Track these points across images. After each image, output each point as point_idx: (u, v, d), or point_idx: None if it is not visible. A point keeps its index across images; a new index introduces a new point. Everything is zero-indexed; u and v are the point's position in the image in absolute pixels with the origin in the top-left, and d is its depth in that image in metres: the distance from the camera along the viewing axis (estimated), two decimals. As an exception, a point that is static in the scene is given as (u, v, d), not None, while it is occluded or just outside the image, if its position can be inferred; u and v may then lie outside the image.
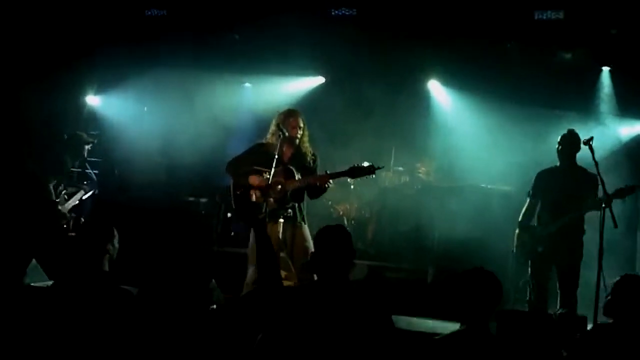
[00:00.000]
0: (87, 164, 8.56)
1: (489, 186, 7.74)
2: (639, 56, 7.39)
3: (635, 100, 7.73)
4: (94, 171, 9.47)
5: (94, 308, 3.42)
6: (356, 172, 5.29)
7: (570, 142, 5.74)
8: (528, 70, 8.08)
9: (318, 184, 5.43)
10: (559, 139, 5.83)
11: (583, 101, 7.97)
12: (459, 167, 8.24)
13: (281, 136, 5.40)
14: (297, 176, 5.42)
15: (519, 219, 5.91)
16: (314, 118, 9.23)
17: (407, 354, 3.26)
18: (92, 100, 9.59)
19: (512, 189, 7.55)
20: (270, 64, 9.11)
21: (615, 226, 5.18)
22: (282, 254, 5.34)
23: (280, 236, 5.34)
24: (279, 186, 5.30)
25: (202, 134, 9.18)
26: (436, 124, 8.88)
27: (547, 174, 5.91)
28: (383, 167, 5.36)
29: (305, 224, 5.55)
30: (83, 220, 7.47)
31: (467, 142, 8.37)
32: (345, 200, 8.35)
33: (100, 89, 9.57)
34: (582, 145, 5.52)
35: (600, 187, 5.44)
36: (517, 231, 5.91)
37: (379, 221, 8.31)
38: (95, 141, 8.01)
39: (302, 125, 5.56)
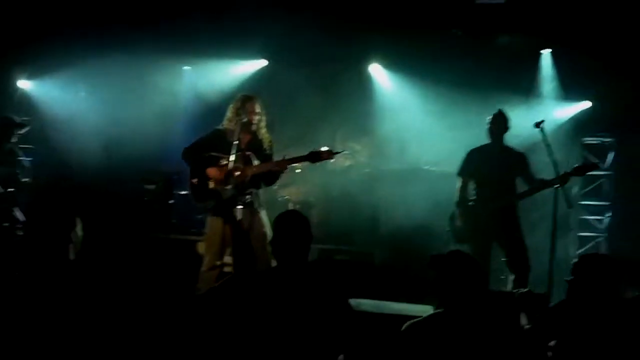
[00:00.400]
0: (17, 150, 8.22)
1: (433, 168, 7.93)
2: (579, 38, 7.66)
3: (576, 82, 8.02)
4: (28, 158, 9.16)
5: (67, 297, 3.34)
6: (315, 157, 5.28)
7: (500, 122, 5.92)
8: (471, 55, 8.29)
9: (276, 170, 5.42)
10: (489, 119, 5.98)
11: (525, 84, 8.21)
12: (403, 150, 8.38)
13: (239, 122, 5.34)
14: (256, 162, 5.38)
15: (456, 199, 6.01)
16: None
17: (387, 337, 3.33)
18: (24, 84, 9.20)
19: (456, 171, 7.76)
20: (210, 47, 8.99)
21: (570, 206, 5.40)
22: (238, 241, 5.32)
23: (240, 222, 5.29)
24: (238, 172, 5.25)
25: (142, 119, 9.02)
26: (380, 108, 8.95)
27: (477, 152, 6.03)
28: (342, 152, 5.38)
29: (263, 209, 5.53)
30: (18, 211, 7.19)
31: (411, 126, 8.49)
32: (291, 184, 8.35)
33: (33, 74, 9.19)
34: (534, 127, 5.58)
35: (529, 164, 5.75)
36: (454, 211, 6.01)
37: (325, 205, 8.35)
38: (28, 127, 7.70)
39: (259, 110, 5.52)
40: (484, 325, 3.22)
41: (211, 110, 9.15)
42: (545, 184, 5.54)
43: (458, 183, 6.03)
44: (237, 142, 5.21)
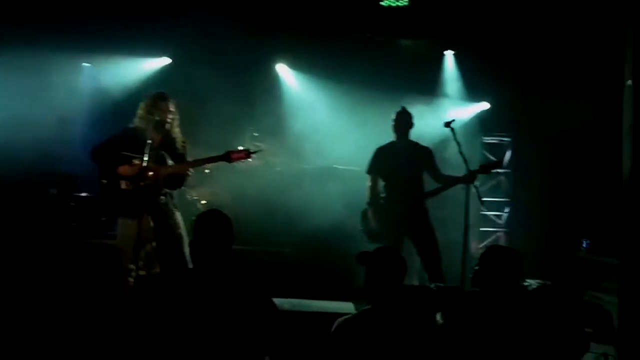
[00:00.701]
0: None
1: (344, 167, 8.04)
2: (480, 41, 7.98)
3: (477, 83, 8.36)
4: None
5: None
6: (232, 156, 5.22)
7: (404, 118, 6.05)
8: (377, 56, 8.48)
9: (186, 171, 5.33)
10: (393, 116, 6.09)
11: (430, 84, 8.48)
12: (315, 149, 8.43)
13: (152, 120, 5.20)
14: (170, 162, 5.26)
15: (367, 199, 6.09)
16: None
17: (315, 335, 3.34)
18: None
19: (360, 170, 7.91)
20: (111, 43, 8.72)
21: (482, 203, 5.61)
22: (153, 244, 5.19)
23: (152, 224, 5.15)
24: (151, 172, 5.10)
25: (39, 118, 8.61)
26: (289, 107, 8.99)
27: (384, 150, 6.11)
28: (260, 151, 5.34)
29: (177, 210, 5.42)
30: None
31: (321, 125, 8.56)
32: (200, 185, 8.21)
33: None
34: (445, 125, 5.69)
35: (435, 159, 5.96)
36: (366, 209, 6.08)
37: (237, 205, 8.25)
38: None
39: (172, 109, 5.39)
40: (412, 320, 3.30)
41: (113, 108, 8.98)
42: (454, 181, 5.72)
43: (368, 182, 6.10)
44: (150, 141, 5.06)
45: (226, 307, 3.01)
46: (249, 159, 5.31)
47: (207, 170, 8.09)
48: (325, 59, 8.72)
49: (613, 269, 5.66)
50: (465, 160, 5.45)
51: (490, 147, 8.71)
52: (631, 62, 3.98)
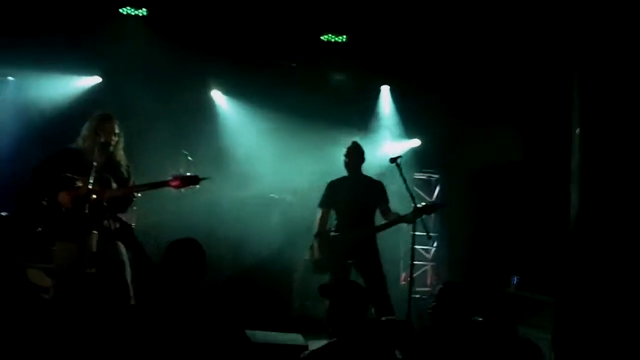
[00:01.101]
0: None
1: (274, 195, 8.04)
2: (416, 75, 8.22)
3: (410, 119, 8.59)
4: None
5: None
6: (180, 182, 5.14)
7: (356, 154, 6.14)
8: (312, 88, 8.59)
9: (130, 195, 5.20)
10: (344, 151, 6.18)
11: (366, 118, 8.65)
12: (249, 176, 8.39)
13: (97, 142, 5.04)
14: (114, 185, 5.11)
15: (314, 230, 6.10)
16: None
17: None
18: None
19: (295, 199, 7.96)
20: (40, 59, 8.43)
21: (429, 237, 5.74)
22: (92, 270, 4.99)
23: (94, 249, 4.97)
24: (94, 195, 4.93)
25: None
26: (223, 134, 8.93)
27: (337, 183, 6.17)
28: (209, 178, 5.26)
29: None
30: None
31: (254, 152, 8.54)
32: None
33: None
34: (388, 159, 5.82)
35: (386, 193, 6.05)
36: (314, 241, 6.08)
37: (164, 229, 8.07)
38: None
39: (117, 131, 5.26)
40: (375, 354, 3.33)
41: (40, 124, 8.67)
42: (399, 219, 5.85)
43: (318, 214, 6.12)
44: (95, 163, 4.90)
45: (199, 337, 2.96)
46: (196, 186, 5.21)
47: (138, 195, 7.86)
48: (260, 86, 8.75)
49: (542, 305, 5.92)
50: (412, 197, 5.57)
51: (420, 182, 8.95)
52: (578, 111, 4.23)
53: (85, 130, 5.21)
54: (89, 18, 8.14)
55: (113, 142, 5.21)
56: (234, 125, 9.05)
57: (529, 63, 7.40)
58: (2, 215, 8.09)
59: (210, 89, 9.14)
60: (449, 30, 7.57)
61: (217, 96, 9.20)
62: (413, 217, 5.58)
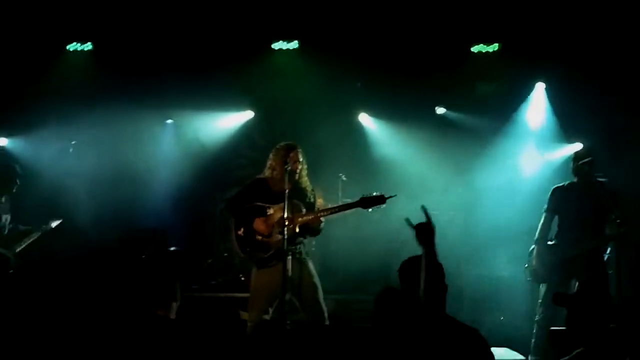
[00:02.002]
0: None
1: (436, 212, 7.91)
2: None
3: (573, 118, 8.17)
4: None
5: None
6: (367, 202, 5.19)
7: (585, 158, 5.73)
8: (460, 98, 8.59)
9: (317, 219, 5.31)
10: (572, 155, 5.86)
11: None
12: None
13: (286, 170, 5.20)
14: (304, 210, 5.25)
15: (536, 236, 5.80)
16: (248, 153, 9.30)
17: None
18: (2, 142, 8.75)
19: (455, 215, 7.83)
20: (193, 100, 8.88)
21: None
22: (288, 295, 5.10)
23: (290, 274, 5.10)
24: (287, 222, 5.07)
25: (123, 174, 8.77)
26: (373, 154, 9.00)
27: (564, 189, 5.81)
28: (395, 195, 5.28)
29: (309, 258, 5.39)
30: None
31: (410, 170, 8.49)
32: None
33: (11, 131, 8.75)
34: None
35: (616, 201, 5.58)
36: (533, 248, 5.79)
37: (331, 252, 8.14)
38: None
39: (301, 159, 5.40)
40: None
41: (195, 163, 9.10)
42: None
43: (541, 219, 5.82)
44: (287, 190, 5.05)
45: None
46: (382, 205, 5.25)
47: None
48: (404, 106, 8.75)
49: None
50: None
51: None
52: None
53: (272, 160, 5.40)
54: (243, 54, 8.50)
55: (298, 170, 5.35)
56: (384, 144, 9.08)
57: None
58: (175, 250, 8.57)
59: (358, 112, 9.23)
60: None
61: (365, 119, 9.28)
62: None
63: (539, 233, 5.81)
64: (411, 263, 3.41)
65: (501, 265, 7.43)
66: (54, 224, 6.78)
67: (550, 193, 5.87)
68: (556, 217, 5.80)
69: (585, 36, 7.61)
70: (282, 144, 5.47)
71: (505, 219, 7.39)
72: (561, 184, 5.88)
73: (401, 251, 7.44)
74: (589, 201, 5.65)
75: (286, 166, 5.21)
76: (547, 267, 5.69)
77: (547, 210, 5.84)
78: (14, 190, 6.73)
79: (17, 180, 6.71)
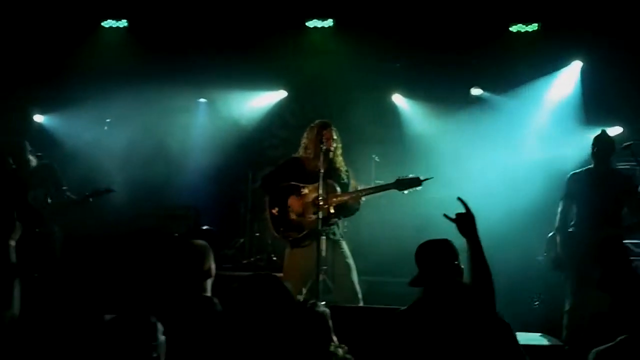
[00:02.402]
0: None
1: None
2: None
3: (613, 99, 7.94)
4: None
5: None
6: (403, 184, 5.12)
7: (605, 143, 5.53)
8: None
9: (355, 200, 5.25)
10: (592, 140, 5.58)
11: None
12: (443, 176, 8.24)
13: (320, 149, 5.13)
14: (338, 190, 5.19)
15: (556, 224, 5.61)
16: (281, 133, 9.28)
17: None
18: (39, 119, 8.83)
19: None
20: (227, 78, 8.84)
21: None
22: (321, 275, 5.06)
23: (324, 254, 5.06)
24: (322, 202, 5.02)
25: (156, 153, 8.82)
26: (408, 136, 8.89)
27: (580, 175, 5.59)
28: (432, 178, 5.20)
29: (343, 239, 5.34)
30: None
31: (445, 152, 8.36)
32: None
33: (47, 108, 8.83)
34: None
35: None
36: (554, 236, 5.59)
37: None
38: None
39: (335, 137, 5.32)
40: None
41: (226, 142, 9.09)
42: None
43: (559, 207, 5.63)
44: (322, 170, 4.99)
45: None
46: (418, 187, 5.17)
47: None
48: (439, 87, 8.60)
49: None
50: None
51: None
52: None
53: (306, 138, 5.33)
54: (277, 33, 8.43)
55: (333, 149, 5.28)
56: (417, 125, 8.96)
57: None
58: (209, 229, 8.59)
59: (391, 93, 9.12)
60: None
61: (398, 99, 9.17)
62: None
63: (559, 221, 5.58)
64: (427, 247, 3.33)
65: (539, 249, 7.29)
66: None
67: (567, 179, 5.65)
68: (574, 205, 5.59)
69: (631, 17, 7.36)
70: (316, 122, 5.40)
71: (541, 201, 7.25)
72: (579, 170, 5.66)
73: (433, 233, 7.47)
74: (604, 188, 5.42)
75: (322, 145, 5.14)
76: (570, 255, 5.46)
77: (564, 197, 5.62)
78: (33, 165, 6.32)
79: (27, 156, 6.06)
